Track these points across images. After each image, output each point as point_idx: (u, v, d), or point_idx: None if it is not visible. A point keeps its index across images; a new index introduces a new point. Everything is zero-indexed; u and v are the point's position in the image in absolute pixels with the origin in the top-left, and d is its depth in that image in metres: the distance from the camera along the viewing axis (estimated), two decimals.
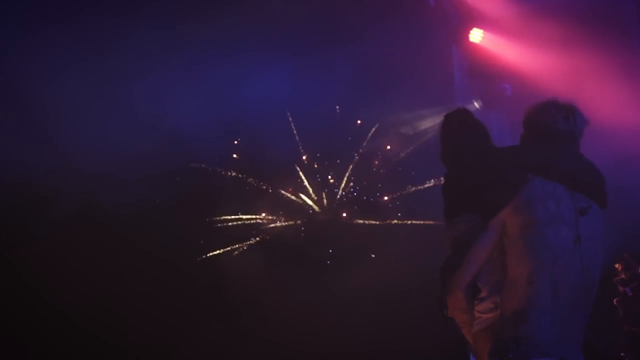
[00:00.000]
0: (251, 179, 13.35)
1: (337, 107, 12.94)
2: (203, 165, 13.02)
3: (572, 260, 4.47)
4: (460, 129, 5.13)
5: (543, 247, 4.45)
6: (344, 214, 13.78)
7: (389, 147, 13.03)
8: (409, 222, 13.11)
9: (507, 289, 4.53)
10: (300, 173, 13.64)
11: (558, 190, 4.59)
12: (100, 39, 10.96)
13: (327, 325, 11.86)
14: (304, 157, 13.40)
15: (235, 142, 13.14)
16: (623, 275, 7.73)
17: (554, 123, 4.73)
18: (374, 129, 13.37)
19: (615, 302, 7.72)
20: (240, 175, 13.35)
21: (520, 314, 4.38)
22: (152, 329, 12.03)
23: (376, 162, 13.41)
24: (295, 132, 13.38)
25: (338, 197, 13.84)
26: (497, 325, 4.61)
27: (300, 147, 13.38)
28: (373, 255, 12.93)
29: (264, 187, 13.52)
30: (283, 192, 13.70)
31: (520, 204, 4.55)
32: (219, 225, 13.44)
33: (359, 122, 13.13)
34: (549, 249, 4.44)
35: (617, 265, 7.76)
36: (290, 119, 13.23)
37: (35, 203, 11.36)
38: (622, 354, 7.69)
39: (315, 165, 13.41)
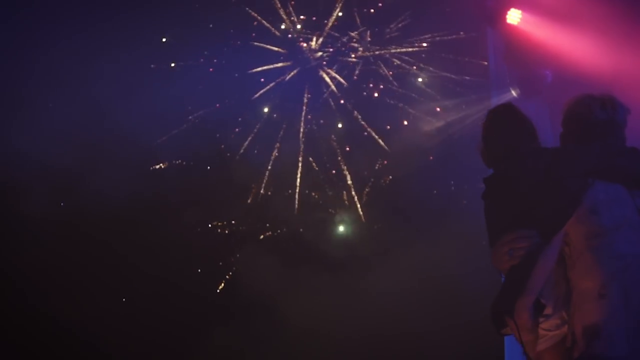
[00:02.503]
0: (265, 174, 13.09)
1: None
2: (210, 159, 12.80)
3: None
4: (508, 126, 4.98)
5: (613, 257, 4.33)
6: (367, 212, 13.48)
7: (418, 140, 12.68)
8: (437, 223, 12.72)
9: (576, 303, 4.43)
10: (316, 168, 13.37)
11: (620, 192, 4.47)
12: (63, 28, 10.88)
13: (346, 331, 11.73)
14: (323, 149, 13.13)
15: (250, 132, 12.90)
16: None
17: (590, 113, 4.66)
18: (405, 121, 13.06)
19: None
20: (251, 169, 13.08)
21: (592, 330, 4.26)
22: (161, 335, 11.96)
23: (403, 157, 13.06)
24: (314, 122, 13.11)
25: (363, 193, 13.52)
26: (565, 342, 4.55)
27: (320, 138, 13.11)
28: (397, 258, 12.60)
29: (279, 182, 13.24)
30: (300, 188, 13.40)
31: (584, 213, 4.43)
32: (229, 224, 13.22)
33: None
34: (619, 258, 4.32)
35: None
36: (306, 108, 13.00)
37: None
38: None
39: (339, 158, 13.13)
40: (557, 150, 4.88)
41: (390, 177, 13.34)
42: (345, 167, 13.41)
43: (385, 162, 13.27)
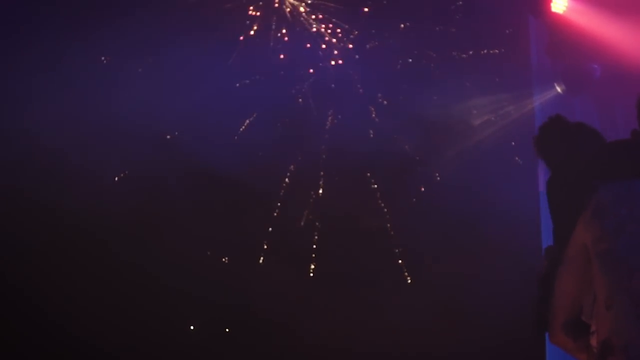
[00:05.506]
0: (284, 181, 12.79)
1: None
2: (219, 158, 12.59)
3: None
4: (553, 142, 5.14)
5: (615, 262, 4.00)
6: (396, 223, 13.09)
7: (452, 143, 12.30)
8: (473, 233, 12.37)
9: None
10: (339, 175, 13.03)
11: (635, 188, 4.11)
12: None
13: (369, 350, 11.44)
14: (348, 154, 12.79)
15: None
16: None
17: None
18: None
19: None
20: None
21: (606, 346, 3.93)
22: (169, 352, 11.74)
23: (437, 161, 12.67)
24: (339, 117, 12.79)
25: (393, 201, 13.14)
26: None
27: (344, 141, 12.76)
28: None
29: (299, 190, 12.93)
30: (321, 196, 13.08)
31: (588, 219, 4.13)
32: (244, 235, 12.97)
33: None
34: (622, 263, 3.98)
35: None
36: (332, 110, 12.70)
37: None
38: None
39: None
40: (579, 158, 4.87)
41: (422, 184, 12.92)
42: (371, 175, 13.08)
43: (417, 167, 12.88)
